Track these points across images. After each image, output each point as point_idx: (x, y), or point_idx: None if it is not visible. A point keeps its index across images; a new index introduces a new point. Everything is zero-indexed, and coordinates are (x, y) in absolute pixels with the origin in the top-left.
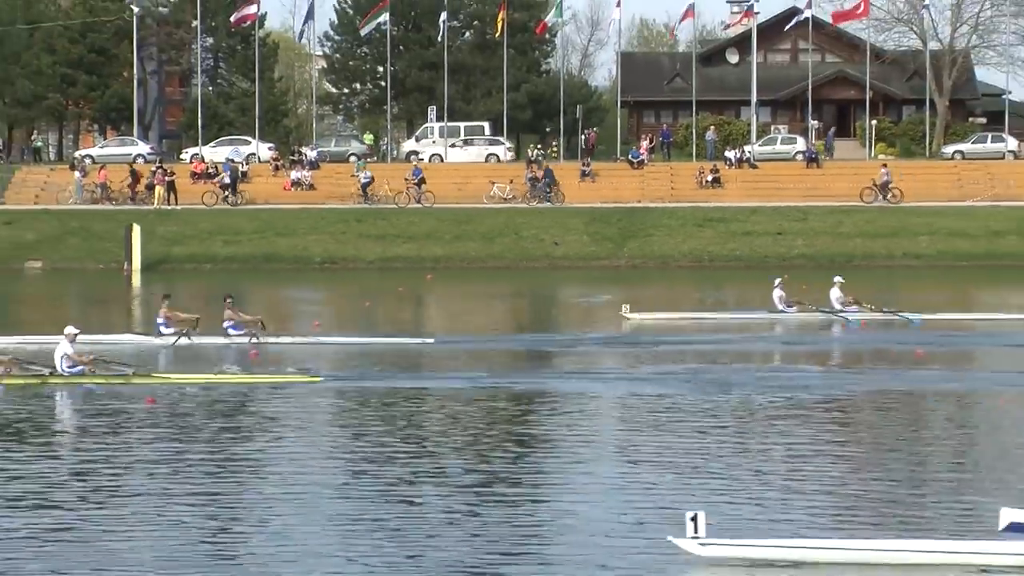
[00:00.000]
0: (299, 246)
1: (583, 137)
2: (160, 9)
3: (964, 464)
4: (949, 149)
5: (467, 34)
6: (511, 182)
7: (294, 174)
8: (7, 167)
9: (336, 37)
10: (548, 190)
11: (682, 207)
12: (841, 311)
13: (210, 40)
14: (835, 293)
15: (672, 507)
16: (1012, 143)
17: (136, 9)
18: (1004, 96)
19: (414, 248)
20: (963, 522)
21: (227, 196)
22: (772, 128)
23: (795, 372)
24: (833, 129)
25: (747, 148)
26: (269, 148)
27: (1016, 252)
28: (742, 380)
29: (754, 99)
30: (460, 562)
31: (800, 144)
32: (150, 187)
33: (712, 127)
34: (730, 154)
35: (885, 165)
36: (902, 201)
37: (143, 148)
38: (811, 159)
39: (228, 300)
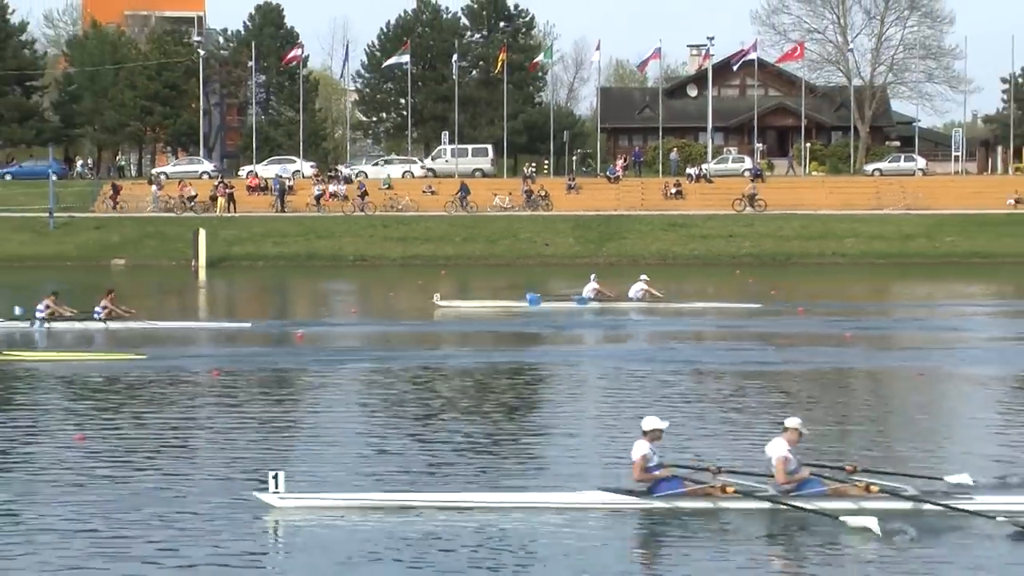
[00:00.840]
0: (335, 246)
1: (576, 156)
2: (222, 52)
3: (547, 425)
4: (870, 167)
5: (474, 72)
6: (510, 194)
7: (331, 187)
8: (96, 182)
9: (366, 75)
10: (463, 202)
11: (651, 215)
12: (636, 301)
13: (263, 77)
14: (636, 287)
15: (267, 468)
16: (921, 162)
17: (202, 52)
18: (914, 123)
19: (430, 248)
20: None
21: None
22: (724, 150)
23: (506, 350)
24: (792, 151)
25: (704, 166)
26: (311, 166)
27: (924, 252)
28: (437, 358)
29: (710, 126)
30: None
31: (747, 163)
32: (213, 198)
33: (675, 149)
34: (690, 171)
35: (752, 181)
36: (766, 209)
37: (208, 166)
38: (756, 175)
39: (111, 293)
